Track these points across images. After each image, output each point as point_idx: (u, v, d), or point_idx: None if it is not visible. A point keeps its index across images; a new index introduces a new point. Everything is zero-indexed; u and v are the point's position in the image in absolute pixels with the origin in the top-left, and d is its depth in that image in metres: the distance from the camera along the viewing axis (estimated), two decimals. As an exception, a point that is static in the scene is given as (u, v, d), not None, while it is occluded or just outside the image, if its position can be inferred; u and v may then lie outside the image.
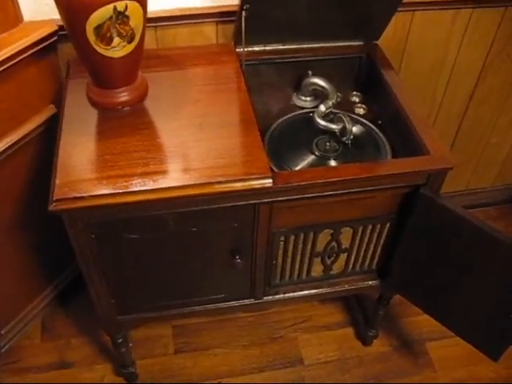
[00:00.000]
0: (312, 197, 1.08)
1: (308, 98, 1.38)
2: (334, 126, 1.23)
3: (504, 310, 1.14)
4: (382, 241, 1.27)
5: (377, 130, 1.29)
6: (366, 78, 1.41)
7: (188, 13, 1.28)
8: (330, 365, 1.58)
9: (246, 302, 1.32)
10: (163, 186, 0.98)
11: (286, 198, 1.06)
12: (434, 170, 1.09)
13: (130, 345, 1.55)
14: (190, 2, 1.27)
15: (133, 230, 1.06)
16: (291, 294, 1.34)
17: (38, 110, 1.30)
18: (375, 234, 1.25)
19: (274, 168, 1.18)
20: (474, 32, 1.48)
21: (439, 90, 1.61)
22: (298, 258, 1.26)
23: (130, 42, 1.05)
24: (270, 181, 1.01)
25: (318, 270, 1.32)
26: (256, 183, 1.00)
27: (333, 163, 1.21)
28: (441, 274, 1.22)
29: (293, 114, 1.33)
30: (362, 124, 1.30)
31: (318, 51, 1.37)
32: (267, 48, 1.35)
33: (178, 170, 1.01)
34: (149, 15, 1.25)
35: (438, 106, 1.66)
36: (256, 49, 1.34)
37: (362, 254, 1.30)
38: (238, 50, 1.32)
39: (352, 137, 1.22)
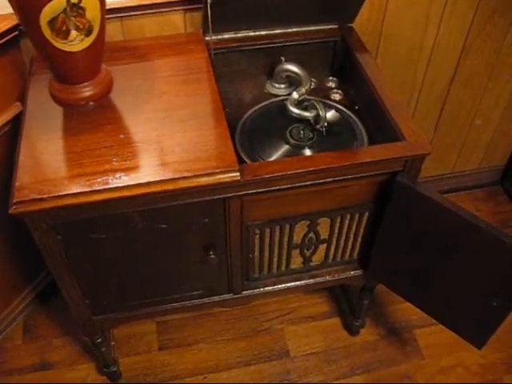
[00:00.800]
0: (284, 188, 1.05)
1: (282, 86, 1.34)
2: (307, 114, 1.19)
3: (486, 298, 1.11)
4: (361, 230, 1.24)
5: (353, 116, 1.25)
6: (342, 62, 1.37)
7: (154, 2, 1.23)
8: (317, 356, 1.56)
9: (225, 297, 1.29)
10: (126, 184, 0.94)
11: (256, 190, 1.03)
12: (409, 156, 1.06)
13: (112, 343, 1.53)
14: (154, -10, 1.23)
15: (99, 229, 1.03)
16: (271, 288, 1.31)
17: (3, 109, 1.26)
18: (354, 224, 1.22)
19: (247, 160, 1.14)
20: (452, 12, 1.44)
21: (419, 73, 1.57)
22: (276, 250, 1.23)
23: (88, 35, 1.01)
24: (238, 174, 0.97)
25: (297, 262, 1.29)
26: (223, 177, 0.97)
27: (307, 152, 1.17)
28: (421, 263, 1.19)
29: (266, 102, 1.29)
30: (337, 110, 1.26)
31: (291, 36, 1.33)
32: (238, 35, 1.31)
33: (141, 166, 0.97)
34: (113, 5, 1.21)
35: (419, 89, 1.62)
36: (226, 36, 1.30)
37: (341, 244, 1.27)
38: (207, 38, 1.28)
39: (326, 124, 1.19)
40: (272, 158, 1.15)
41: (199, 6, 1.23)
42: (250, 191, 1.03)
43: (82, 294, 1.16)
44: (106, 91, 1.13)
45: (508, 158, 1.93)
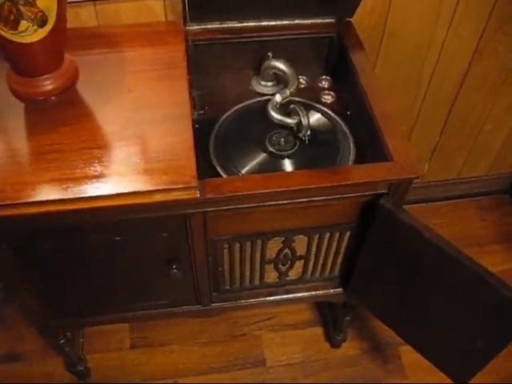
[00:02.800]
0: (253, 206, 0.95)
1: (269, 83, 1.22)
2: (289, 121, 1.09)
3: (469, 336, 1.01)
4: (342, 249, 1.14)
5: (342, 124, 1.14)
6: (337, 60, 1.24)
7: (130, -15, 1.12)
8: (294, 368, 1.49)
9: (193, 308, 1.22)
10: (71, 196, 0.85)
11: (219, 208, 0.94)
12: (395, 179, 0.95)
13: (82, 340, 1.47)
14: (131, -29, 1.12)
15: (48, 240, 0.95)
16: (243, 302, 1.23)
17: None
18: (334, 242, 1.12)
19: (218, 167, 1.04)
20: (467, 6, 1.29)
21: (426, 73, 1.44)
22: (248, 265, 1.14)
23: (42, 25, 0.90)
24: (197, 191, 0.88)
25: (272, 276, 1.20)
26: (180, 194, 0.87)
27: (286, 163, 1.07)
28: (403, 290, 1.09)
29: (247, 102, 1.18)
30: (325, 115, 1.15)
31: (282, 30, 1.21)
32: (223, 26, 1.19)
33: (92, 176, 0.87)
34: (84, -12, 1.10)
35: (425, 90, 1.48)
36: (210, 26, 1.18)
37: (320, 261, 1.17)
38: (188, 27, 1.16)
39: (309, 133, 1.08)
40: (246, 168, 1.05)
41: (180, -9, 1.11)
42: (213, 208, 0.93)
43: (37, 302, 1.09)
44: (70, 84, 1.03)
45: (519, 167, 1.80)
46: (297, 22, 1.21)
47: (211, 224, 0.98)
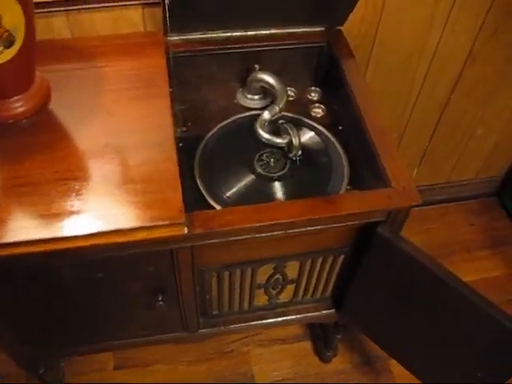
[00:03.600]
0: (243, 238, 0.89)
1: (255, 97, 1.15)
2: (279, 141, 1.02)
3: (469, 366, 0.98)
4: (335, 272, 1.09)
5: (335, 142, 1.08)
6: (327, 70, 1.18)
7: (103, -6, 1.04)
8: (283, 384, 1.45)
9: (180, 335, 1.16)
10: (47, 235, 0.78)
11: (208, 242, 0.87)
12: (394, 208, 0.90)
13: (62, 364, 1.41)
14: (106, -21, 1.03)
15: (23, 277, 0.88)
16: (232, 326, 1.18)
17: None
18: (327, 266, 1.07)
19: (206, 193, 0.98)
20: (460, 13, 1.24)
21: (417, 80, 1.38)
22: (237, 291, 1.08)
23: (9, 46, 0.82)
24: (184, 228, 0.81)
25: (262, 299, 1.15)
26: (166, 231, 0.81)
27: (276, 186, 1.00)
28: (399, 316, 1.05)
29: (234, 117, 1.11)
30: (317, 133, 1.09)
31: (269, 39, 1.14)
32: (207, 36, 1.12)
33: (69, 212, 0.80)
34: (54, -3, 1.02)
35: (416, 97, 1.43)
36: (192, 37, 1.11)
37: (313, 283, 1.12)
38: (169, 38, 1.09)
39: (300, 153, 1.02)
40: (233, 190, 0.99)
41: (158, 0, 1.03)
42: (201, 242, 0.87)
43: (14, 335, 1.02)
44: (42, 105, 0.95)
45: (507, 171, 1.77)
46: (285, 31, 1.15)
47: (199, 255, 0.92)
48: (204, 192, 0.98)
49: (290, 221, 0.85)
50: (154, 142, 0.90)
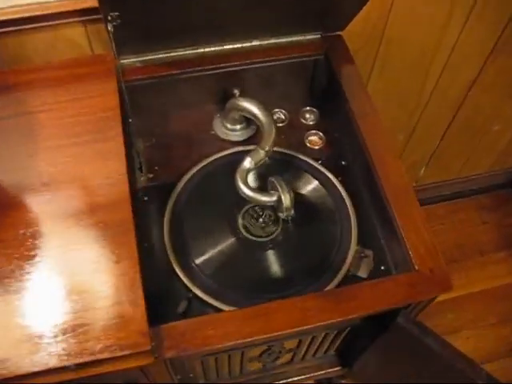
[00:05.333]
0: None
1: (237, 127, 0.93)
2: (265, 199, 0.80)
3: None
4: (340, 339, 0.92)
5: (338, 186, 0.87)
6: (324, 87, 0.96)
7: (35, 12, 0.78)
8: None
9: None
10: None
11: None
12: (420, 300, 0.70)
13: None
14: (32, -7, 0.77)
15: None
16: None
17: None
18: (330, 338, 0.89)
19: (174, 261, 0.78)
20: (486, 6, 1.00)
21: (430, 81, 1.16)
22: (225, 366, 0.91)
23: None
24: (151, 356, 0.62)
25: (255, 365, 0.98)
26: (128, 362, 0.62)
27: (264, 254, 0.81)
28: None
29: (211, 158, 0.89)
30: (313, 175, 0.88)
31: (251, 54, 0.90)
32: (172, 54, 0.88)
33: (-4, 346, 0.61)
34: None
35: (428, 99, 1.21)
36: (152, 57, 0.87)
37: (314, 349, 0.95)
38: (123, 61, 0.85)
39: (293, 213, 0.80)
40: (203, 257, 0.79)
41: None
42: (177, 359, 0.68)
43: None
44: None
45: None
46: (271, 42, 0.91)
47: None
48: (172, 259, 0.78)
49: (287, 332, 0.66)
50: (108, 228, 0.68)
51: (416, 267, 0.70)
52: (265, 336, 0.65)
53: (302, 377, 1.03)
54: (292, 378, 1.03)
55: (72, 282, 0.64)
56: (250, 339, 0.65)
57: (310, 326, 0.66)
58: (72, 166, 0.73)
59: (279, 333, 0.66)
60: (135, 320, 0.62)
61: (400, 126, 1.29)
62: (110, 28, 0.70)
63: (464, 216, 1.61)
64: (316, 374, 1.04)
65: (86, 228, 0.68)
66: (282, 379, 1.03)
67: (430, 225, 1.56)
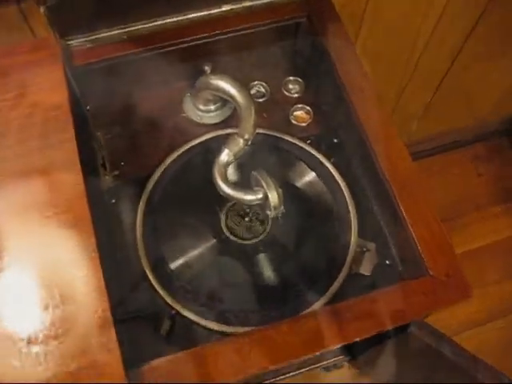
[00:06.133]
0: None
1: (211, 107, 0.80)
2: (249, 198, 0.69)
3: None
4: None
5: (333, 173, 0.76)
6: (309, 54, 0.83)
7: None
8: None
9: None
10: None
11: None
12: (435, 310, 0.62)
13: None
14: None
15: None
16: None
17: None
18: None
19: (152, 277, 0.68)
20: None
21: (425, 29, 1.03)
22: None
23: None
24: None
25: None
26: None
27: (250, 260, 0.71)
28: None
29: (186, 146, 0.77)
30: (303, 159, 0.77)
31: (223, 22, 0.77)
32: (127, 30, 0.74)
33: None
34: None
35: (422, 48, 1.08)
36: (103, 35, 0.73)
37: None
38: (69, 43, 0.71)
39: (282, 209, 0.70)
40: (178, 262, 0.70)
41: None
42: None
43: None
44: None
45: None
46: (245, 5, 0.77)
47: None
48: (144, 265, 0.69)
49: (284, 364, 0.57)
50: (74, 292, 0.57)
51: (430, 272, 0.61)
52: (254, 372, 0.57)
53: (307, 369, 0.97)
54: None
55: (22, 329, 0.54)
56: (241, 376, 0.56)
57: (309, 355, 0.58)
58: (15, 183, 0.61)
59: (273, 367, 0.57)
60: (111, 370, 0.53)
61: (393, 82, 1.17)
62: (42, 10, 0.57)
63: (458, 169, 1.52)
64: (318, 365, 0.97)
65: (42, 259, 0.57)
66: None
67: (426, 181, 1.47)
